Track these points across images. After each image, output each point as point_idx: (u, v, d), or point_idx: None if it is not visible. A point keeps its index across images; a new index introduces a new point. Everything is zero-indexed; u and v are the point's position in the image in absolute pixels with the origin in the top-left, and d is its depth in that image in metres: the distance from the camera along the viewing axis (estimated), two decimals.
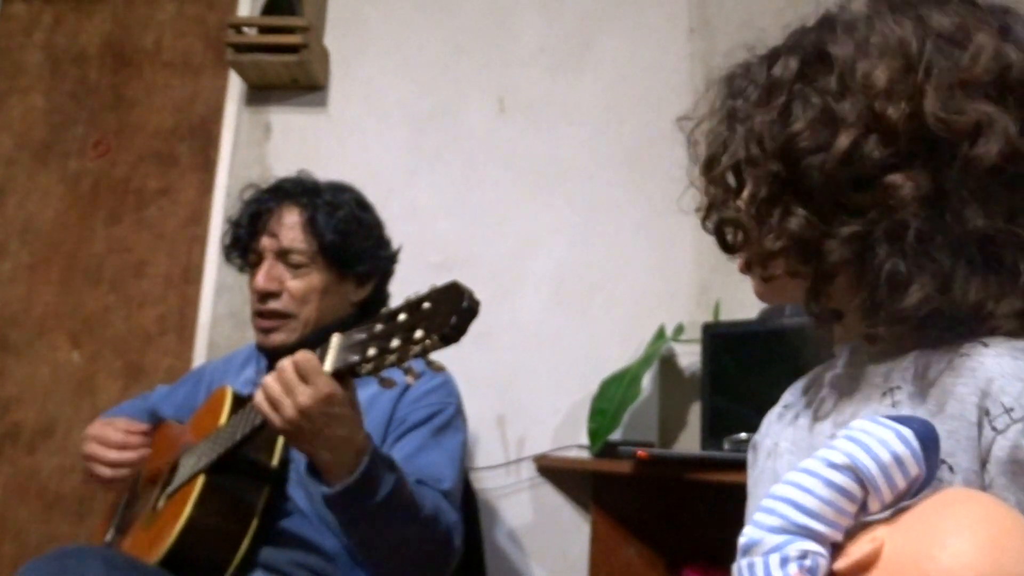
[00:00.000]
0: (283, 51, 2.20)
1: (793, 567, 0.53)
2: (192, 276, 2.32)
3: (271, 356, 1.49)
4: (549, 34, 2.30)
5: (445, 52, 2.32)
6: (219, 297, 2.24)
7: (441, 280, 2.41)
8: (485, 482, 2.07)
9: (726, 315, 2.00)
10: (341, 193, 1.56)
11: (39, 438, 2.31)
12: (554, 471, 2.07)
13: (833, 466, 0.55)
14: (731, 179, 0.72)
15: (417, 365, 1.10)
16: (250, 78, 2.31)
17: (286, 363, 1.16)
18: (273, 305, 1.49)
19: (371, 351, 1.10)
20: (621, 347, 2.07)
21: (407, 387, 1.45)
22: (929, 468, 0.56)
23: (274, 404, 1.15)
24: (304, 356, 1.16)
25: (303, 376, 1.14)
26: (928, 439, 0.56)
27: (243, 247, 1.55)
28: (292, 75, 2.26)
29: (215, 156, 2.35)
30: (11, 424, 2.32)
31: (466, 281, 2.25)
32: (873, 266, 0.64)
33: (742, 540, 0.57)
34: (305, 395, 1.13)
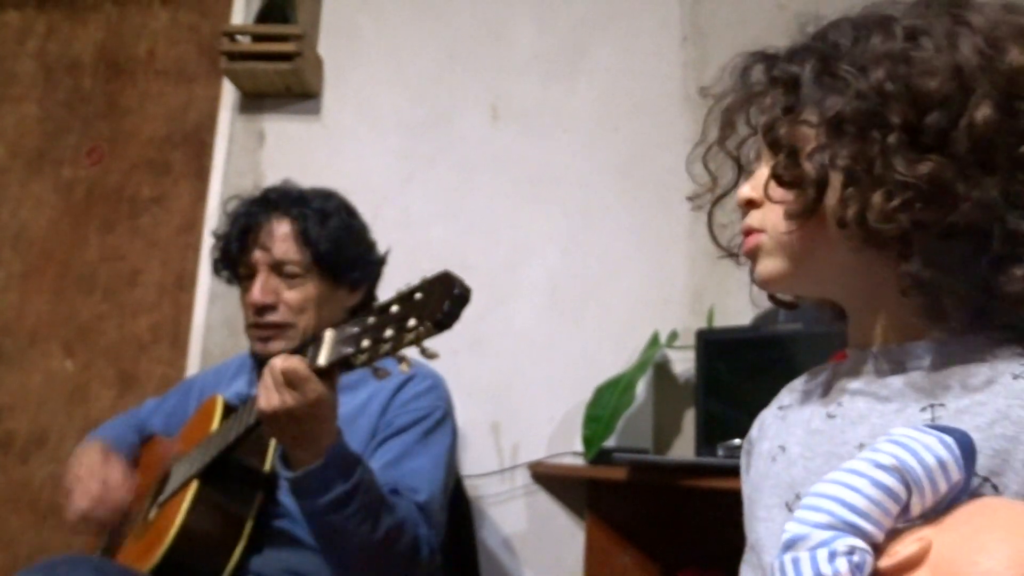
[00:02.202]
0: (277, 59, 2.20)
1: (842, 562, 0.54)
2: (186, 284, 2.32)
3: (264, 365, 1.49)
4: (542, 42, 2.31)
5: (438, 60, 2.32)
6: (213, 305, 2.24)
7: None
8: (479, 489, 2.06)
9: (720, 321, 2.00)
10: (328, 200, 1.55)
11: (32, 447, 2.30)
12: (548, 478, 2.07)
13: (880, 467, 0.56)
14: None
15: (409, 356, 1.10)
16: (244, 86, 2.31)
17: (276, 364, 1.17)
18: (271, 318, 1.48)
19: (365, 342, 1.10)
20: (615, 354, 2.08)
21: (397, 389, 1.45)
22: (967, 476, 0.57)
23: (266, 400, 1.16)
24: (292, 363, 1.16)
25: (291, 382, 1.15)
26: (968, 448, 0.57)
27: (233, 261, 1.54)
28: (286, 83, 2.26)
29: (209, 164, 2.35)
30: (3, 433, 2.31)
31: None
32: (1003, 234, 0.63)
33: (785, 536, 0.57)
34: (292, 398, 1.14)
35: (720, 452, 1.61)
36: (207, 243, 2.26)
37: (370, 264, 1.57)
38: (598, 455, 1.86)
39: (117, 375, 2.32)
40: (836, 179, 0.66)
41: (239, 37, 2.25)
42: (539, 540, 2.06)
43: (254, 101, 2.34)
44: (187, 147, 2.43)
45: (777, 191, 0.70)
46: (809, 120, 0.69)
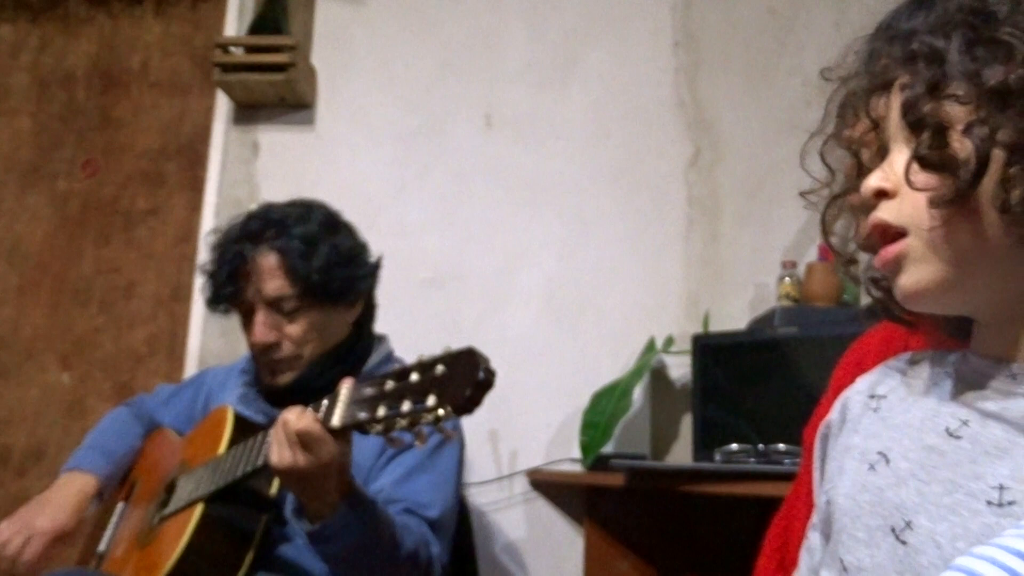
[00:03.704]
0: (270, 70, 2.20)
1: None
2: (182, 295, 2.32)
3: (272, 390, 1.49)
4: (535, 50, 2.31)
5: (432, 69, 2.33)
6: (209, 316, 2.22)
7: (431, 295, 2.39)
8: (478, 497, 2.06)
9: (715, 326, 2.01)
10: (309, 220, 1.49)
11: (29, 461, 2.29)
12: (547, 485, 2.07)
13: None
14: None
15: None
16: (237, 97, 2.31)
17: (290, 422, 1.15)
18: (276, 356, 1.46)
19: (381, 411, 1.08)
20: (611, 360, 2.08)
21: None
22: None
23: (278, 457, 1.16)
24: (306, 423, 1.14)
25: (304, 443, 1.13)
26: None
27: (228, 300, 1.50)
28: (279, 94, 2.26)
29: (203, 175, 2.35)
30: (1, 447, 2.31)
31: (456, 296, 2.25)
32: None
33: None
34: (304, 459, 1.14)
35: (718, 457, 1.61)
36: (203, 254, 2.26)
37: (363, 280, 1.53)
38: (596, 461, 1.86)
39: (114, 388, 2.31)
40: (998, 157, 0.58)
41: (232, 48, 2.25)
42: (538, 547, 2.06)
43: (248, 112, 2.34)
44: (181, 159, 2.43)
45: (921, 176, 0.60)
46: (959, 95, 0.60)
